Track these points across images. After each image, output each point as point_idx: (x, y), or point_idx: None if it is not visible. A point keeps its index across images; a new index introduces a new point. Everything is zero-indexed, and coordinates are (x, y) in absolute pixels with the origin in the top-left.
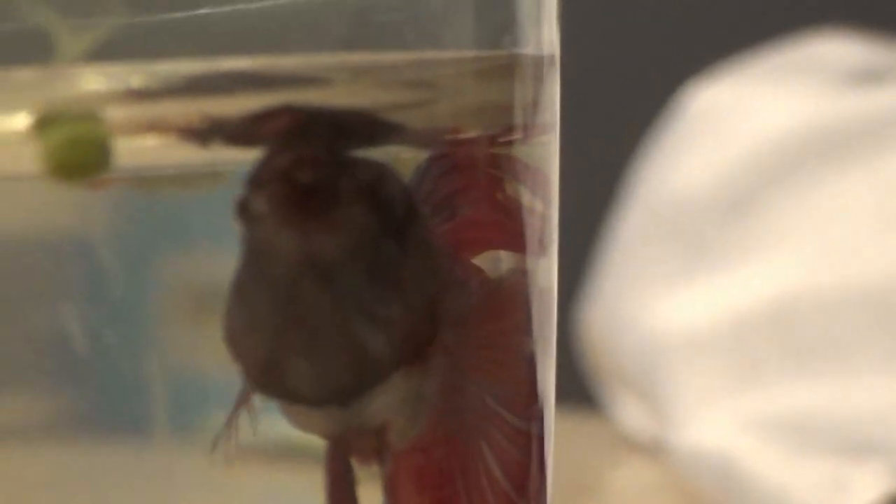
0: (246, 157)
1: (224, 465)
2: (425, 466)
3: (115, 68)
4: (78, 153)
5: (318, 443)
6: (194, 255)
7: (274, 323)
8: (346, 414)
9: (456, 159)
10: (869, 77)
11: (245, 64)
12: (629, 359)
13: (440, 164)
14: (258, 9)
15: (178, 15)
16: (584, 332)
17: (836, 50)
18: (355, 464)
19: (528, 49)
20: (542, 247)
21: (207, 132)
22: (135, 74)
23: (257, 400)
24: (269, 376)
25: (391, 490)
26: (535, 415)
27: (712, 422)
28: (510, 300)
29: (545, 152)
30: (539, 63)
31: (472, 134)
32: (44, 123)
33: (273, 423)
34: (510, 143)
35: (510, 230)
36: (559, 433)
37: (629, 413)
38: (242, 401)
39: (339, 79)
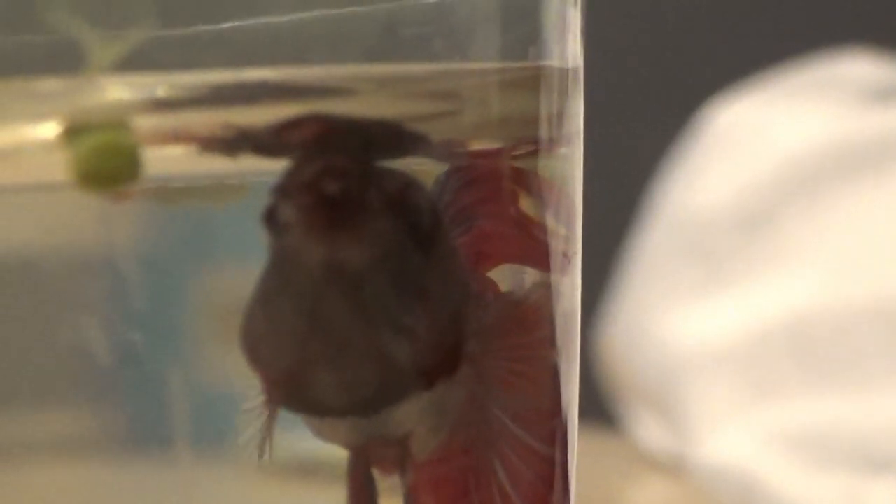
0: (273, 168)
1: (250, 480)
2: (446, 477)
3: (144, 79)
4: (107, 161)
5: (340, 459)
6: (223, 271)
7: (299, 332)
8: (370, 424)
9: (474, 172)
10: (886, 96)
11: (271, 75)
12: (649, 375)
13: (458, 177)
14: (288, 21)
15: (208, 28)
16: (605, 349)
17: (854, 69)
18: (377, 475)
19: (552, 61)
20: (565, 260)
21: (235, 142)
22: (163, 85)
23: (282, 416)
24: (292, 386)
25: (412, 501)
26: (558, 427)
27: (731, 437)
28: (535, 313)
29: (568, 165)
30: (563, 76)
31: (491, 146)
32: (73, 132)
33: (298, 439)
34: (532, 155)
35: (525, 245)
36: (578, 451)
37: (648, 431)
38: (267, 417)
39: (363, 89)
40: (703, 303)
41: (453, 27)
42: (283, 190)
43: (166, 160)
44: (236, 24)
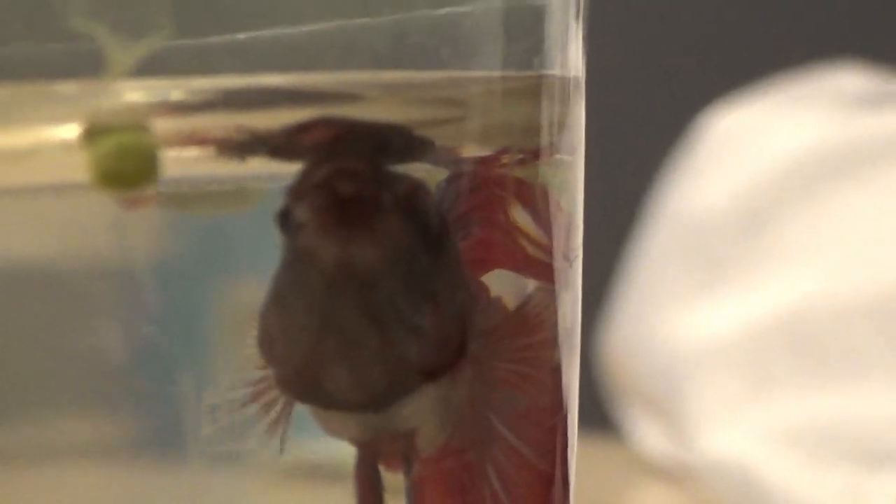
0: (287, 172)
1: (264, 485)
2: (450, 472)
3: (160, 83)
4: (126, 162)
5: (348, 461)
6: (241, 277)
7: (312, 329)
8: (378, 419)
9: (473, 179)
10: (874, 103)
11: (284, 81)
12: (649, 375)
13: (458, 183)
14: (302, 31)
15: (223, 38)
16: (605, 352)
17: (845, 80)
18: (383, 471)
19: (555, 70)
20: (566, 265)
21: (249, 144)
22: (178, 89)
23: (294, 419)
24: (305, 381)
25: (416, 495)
26: (558, 430)
27: (731, 433)
28: (538, 316)
29: (570, 173)
30: (565, 84)
31: (493, 153)
32: (93, 133)
33: (307, 441)
34: (534, 163)
35: (518, 252)
36: (578, 456)
37: (648, 435)
38: (280, 413)
39: (372, 95)
40: (702, 303)
41: (459, 37)
42: (297, 191)
43: (183, 162)
44: (253, 34)
